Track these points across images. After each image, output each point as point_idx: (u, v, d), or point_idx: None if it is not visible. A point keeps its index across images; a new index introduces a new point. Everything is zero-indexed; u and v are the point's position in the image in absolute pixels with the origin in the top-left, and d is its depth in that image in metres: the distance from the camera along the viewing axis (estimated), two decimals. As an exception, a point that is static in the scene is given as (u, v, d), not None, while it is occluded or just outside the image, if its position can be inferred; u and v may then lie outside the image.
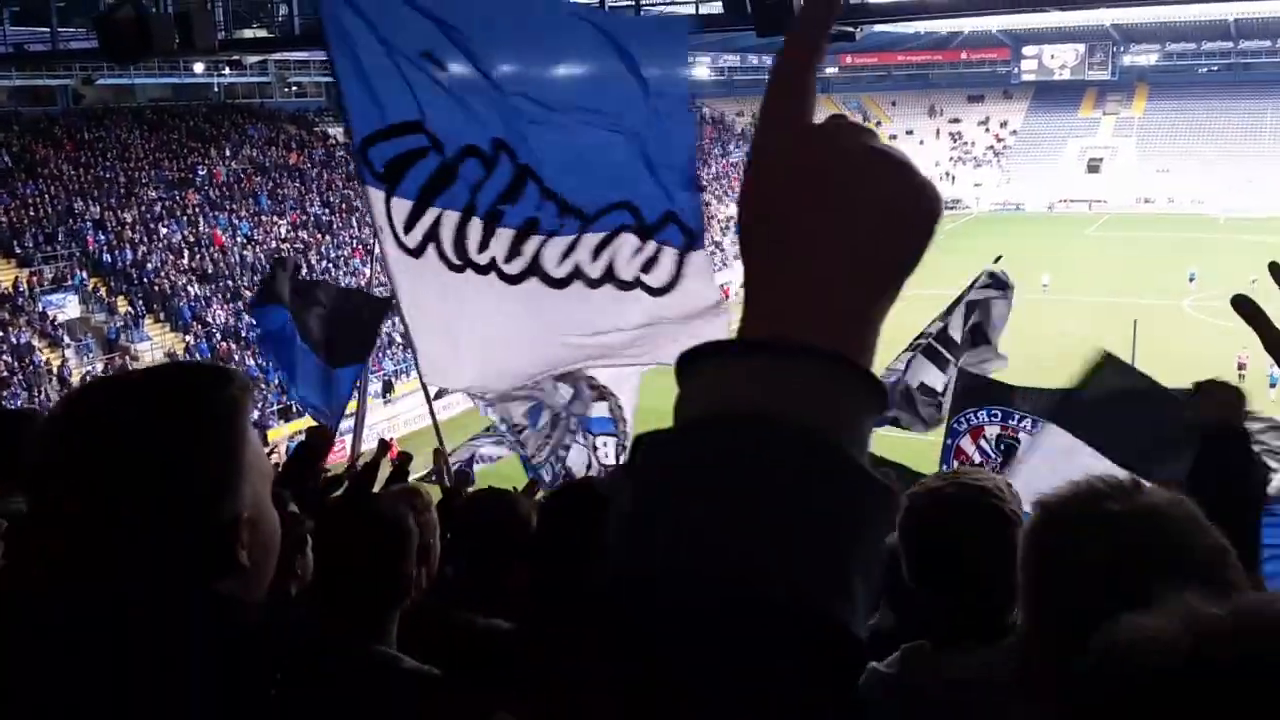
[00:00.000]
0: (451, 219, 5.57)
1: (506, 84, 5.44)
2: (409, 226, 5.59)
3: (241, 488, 1.20)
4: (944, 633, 2.08)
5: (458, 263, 5.64)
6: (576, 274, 5.61)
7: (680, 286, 5.52)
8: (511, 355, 6.01)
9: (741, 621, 0.61)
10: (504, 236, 5.59)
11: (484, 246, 5.61)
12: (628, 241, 5.53)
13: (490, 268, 5.64)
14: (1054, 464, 5.73)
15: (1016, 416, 7.79)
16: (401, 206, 5.57)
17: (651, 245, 5.52)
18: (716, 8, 17.19)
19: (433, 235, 5.60)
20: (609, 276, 5.59)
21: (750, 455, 0.64)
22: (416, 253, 5.65)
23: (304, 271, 39.19)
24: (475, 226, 5.58)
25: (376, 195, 5.58)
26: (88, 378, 29.71)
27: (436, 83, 5.40)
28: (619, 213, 5.51)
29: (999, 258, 9.68)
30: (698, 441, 0.66)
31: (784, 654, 0.61)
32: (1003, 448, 7.85)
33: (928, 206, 0.74)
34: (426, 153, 5.47)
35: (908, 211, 0.74)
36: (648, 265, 5.54)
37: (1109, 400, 5.82)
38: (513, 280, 5.65)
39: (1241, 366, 30.27)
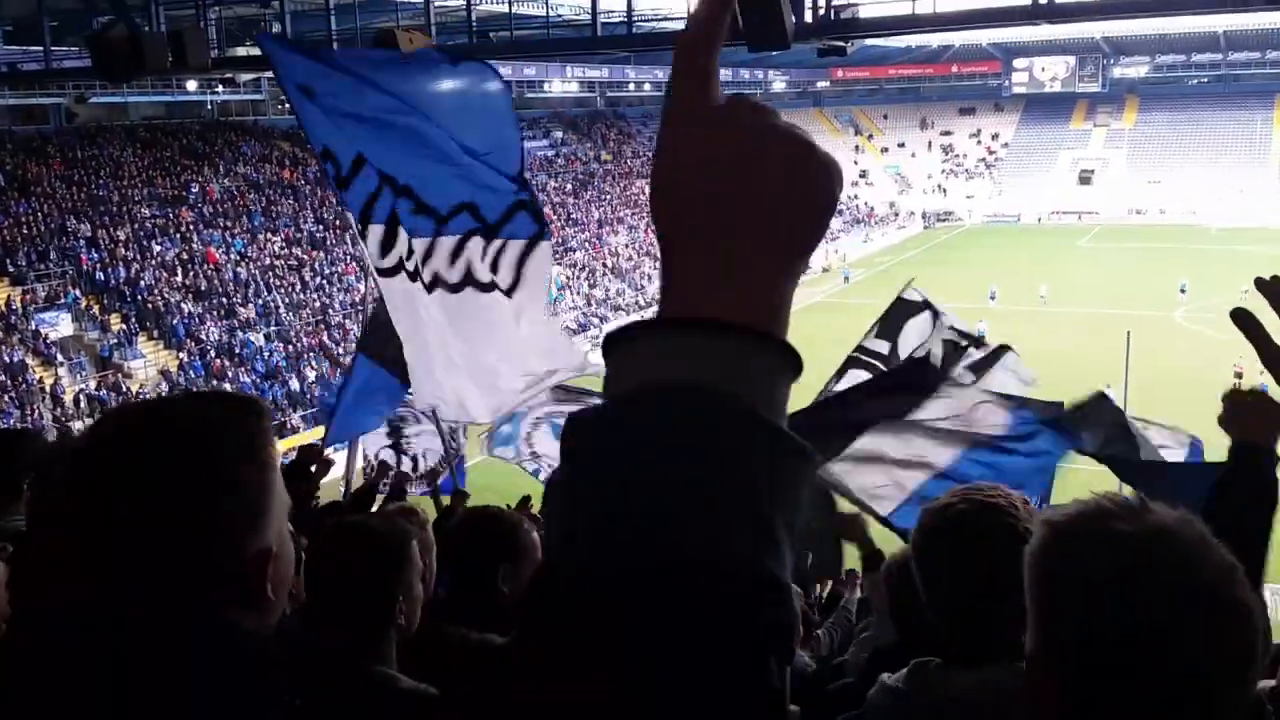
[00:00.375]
0: (404, 236, 5.85)
1: (358, 107, 5.72)
2: (385, 250, 5.91)
3: (270, 521, 1.19)
4: (955, 650, 2.07)
5: (378, 268, 5.99)
6: (437, 281, 5.88)
7: (525, 285, 5.82)
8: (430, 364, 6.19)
9: (680, 579, 0.65)
10: (401, 238, 5.84)
11: (386, 251, 5.91)
12: (476, 245, 5.80)
13: (398, 269, 5.93)
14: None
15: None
16: (376, 232, 5.92)
17: (496, 243, 5.78)
18: (708, 23, 17.24)
19: (402, 254, 5.90)
20: (470, 281, 5.85)
21: (676, 425, 0.68)
22: (389, 273, 6.00)
23: (298, 288, 39.21)
24: (375, 232, 5.87)
25: (356, 226, 5.95)
26: (80, 396, 29.76)
27: (326, 107, 5.67)
28: (465, 216, 5.78)
29: (910, 280, 9.15)
30: (626, 416, 0.70)
31: (721, 605, 0.65)
32: None
33: (826, 184, 0.77)
34: (381, 187, 5.76)
35: (810, 189, 0.76)
36: (494, 266, 5.80)
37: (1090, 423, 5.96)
38: (411, 278, 5.92)
39: (1239, 375, 30.90)
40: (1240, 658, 1.09)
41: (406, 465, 9.04)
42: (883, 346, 8.38)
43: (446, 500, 7.77)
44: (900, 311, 8.51)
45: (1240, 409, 2.35)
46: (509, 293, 5.79)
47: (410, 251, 5.81)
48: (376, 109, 5.66)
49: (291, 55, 5.85)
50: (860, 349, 8.45)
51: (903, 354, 8.21)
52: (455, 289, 5.83)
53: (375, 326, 7.81)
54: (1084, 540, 1.15)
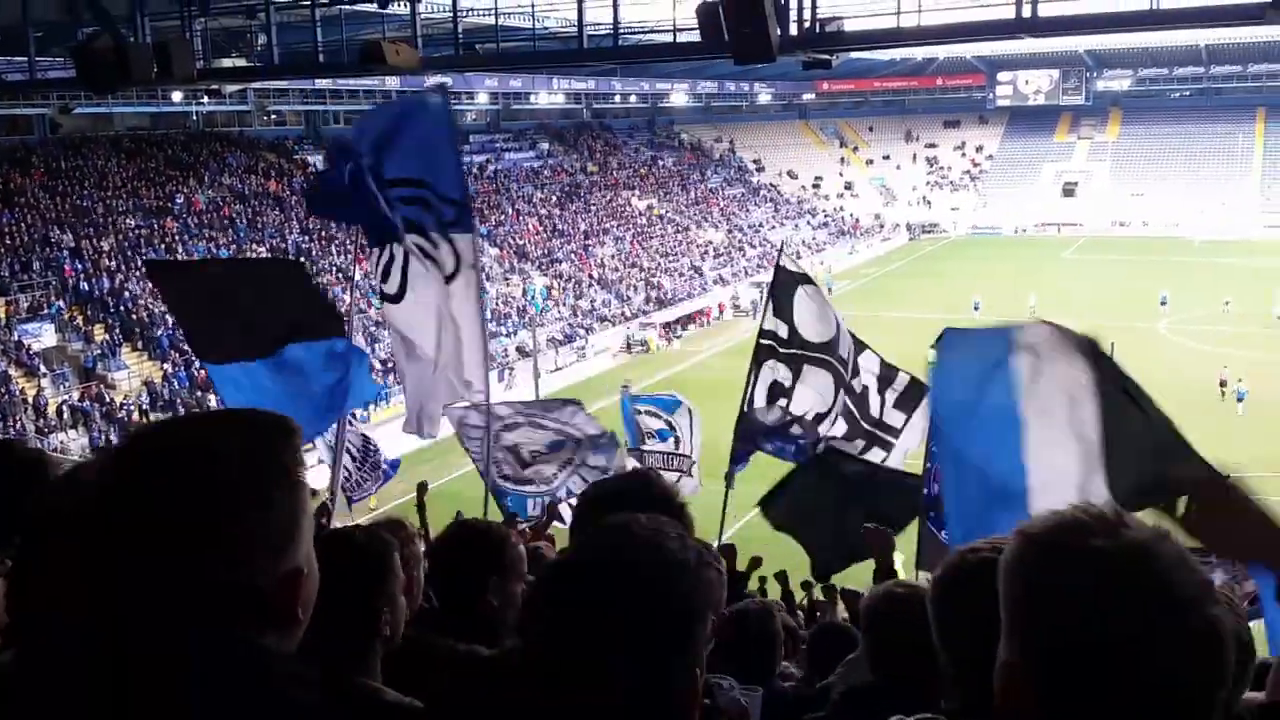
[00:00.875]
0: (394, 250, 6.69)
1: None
2: (384, 276, 6.45)
3: (301, 541, 1.19)
4: (960, 702, 2.02)
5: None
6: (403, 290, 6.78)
7: (462, 272, 6.52)
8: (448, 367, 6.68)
9: None
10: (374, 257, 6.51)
11: (386, 276, 6.64)
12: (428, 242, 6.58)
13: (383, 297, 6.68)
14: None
15: None
16: (374, 255, 6.67)
17: (444, 241, 6.53)
18: (694, 36, 17.29)
19: (392, 271, 6.69)
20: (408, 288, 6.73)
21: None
22: (395, 298, 6.72)
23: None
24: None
25: (374, 254, 6.44)
26: (64, 407, 29.53)
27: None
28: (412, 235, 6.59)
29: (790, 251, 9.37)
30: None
31: None
32: None
33: None
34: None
35: None
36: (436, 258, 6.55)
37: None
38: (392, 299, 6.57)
39: (1223, 384, 32.37)
40: (1213, 672, 1.11)
41: (351, 464, 9.15)
42: (781, 328, 8.56)
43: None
44: (786, 284, 8.71)
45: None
46: (448, 280, 6.49)
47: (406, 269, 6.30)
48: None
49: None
50: (762, 332, 8.70)
51: (806, 335, 8.41)
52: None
53: (194, 334, 7.94)
54: (1062, 553, 1.16)
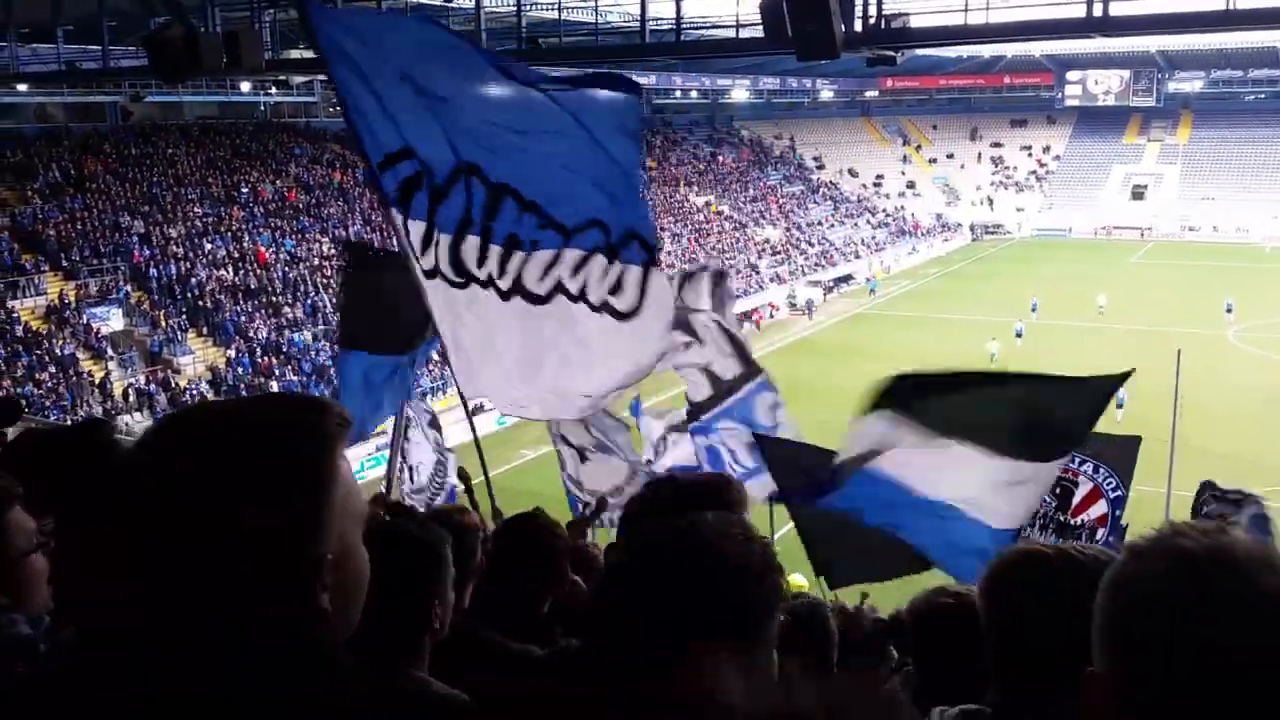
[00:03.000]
0: (445, 240, 5.62)
1: (474, 110, 5.49)
2: (424, 248, 5.64)
3: (327, 526, 1.17)
4: (1002, 695, 2.02)
5: (459, 280, 5.69)
6: (559, 288, 5.66)
7: (645, 309, 5.56)
8: (515, 372, 6.08)
9: None
10: (494, 254, 5.64)
11: (481, 263, 5.66)
12: (598, 262, 5.57)
13: (489, 283, 5.71)
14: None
15: (1078, 460, 7.58)
16: (416, 228, 5.62)
17: (616, 266, 5.55)
18: (757, 32, 17.18)
19: (439, 257, 5.66)
20: (583, 296, 5.65)
21: None
22: (431, 274, 5.72)
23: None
24: (471, 244, 5.62)
25: (397, 218, 5.63)
26: (130, 390, 30.17)
27: (416, 105, 5.40)
28: (594, 231, 5.56)
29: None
30: None
31: None
32: (1058, 490, 7.62)
33: None
34: (422, 178, 5.50)
35: None
36: (614, 288, 5.57)
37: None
38: (504, 296, 5.71)
39: None
40: None
41: (406, 474, 9.06)
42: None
43: None
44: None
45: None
46: (627, 315, 5.59)
47: (505, 267, 5.68)
48: (497, 118, 5.48)
49: (372, 23, 5.64)
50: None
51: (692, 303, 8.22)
52: (543, 300, 5.67)
53: (348, 317, 7.88)
54: (1148, 561, 1.16)
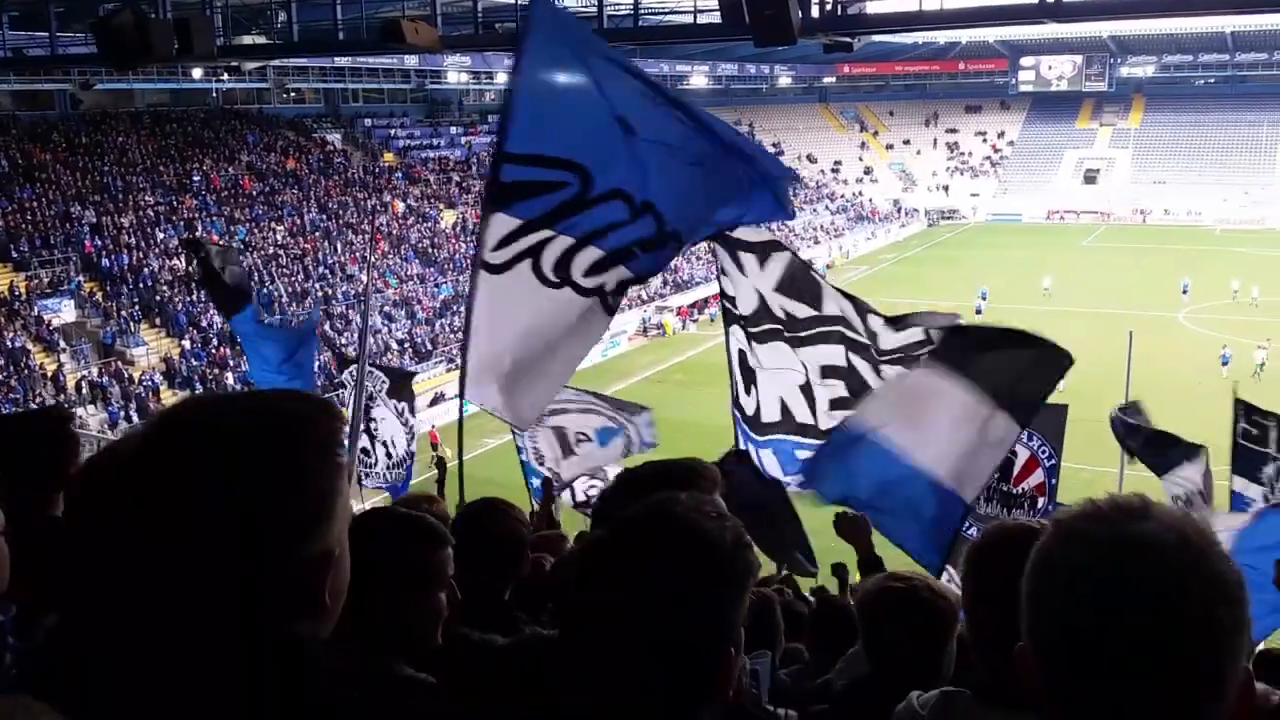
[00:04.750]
0: (564, 242, 5.61)
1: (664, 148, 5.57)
2: (502, 244, 5.59)
3: (333, 525, 1.18)
4: (991, 688, 2.04)
5: (555, 279, 5.68)
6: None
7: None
8: (557, 377, 6.09)
9: None
10: (620, 273, 5.71)
11: (596, 273, 5.69)
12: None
13: (596, 293, 5.73)
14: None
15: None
16: (503, 224, 5.58)
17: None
18: (715, 18, 17.20)
19: (533, 253, 5.62)
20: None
21: None
22: (500, 269, 5.66)
23: (301, 278, 39.19)
24: (590, 253, 5.64)
25: (487, 209, 5.63)
26: (82, 383, 29.72)
27: (625, 134, 5.45)
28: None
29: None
30: None
31: None
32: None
33: None
34: (565, 186, 5.49)
35: None
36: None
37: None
38: (610, 312, 5.83)
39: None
40: (1210, 664, 1.11)
41: (380, 451, 9.06)
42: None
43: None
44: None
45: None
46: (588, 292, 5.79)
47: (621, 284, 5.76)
48: (652, 131, 5.52)
49: (584, 34, 5.70)
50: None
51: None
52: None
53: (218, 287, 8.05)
54: (1069, 537, 1.19)
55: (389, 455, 9.27)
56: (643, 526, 1.42)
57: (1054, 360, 5.53)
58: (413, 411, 9.61)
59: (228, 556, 1.11)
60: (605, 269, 5.70)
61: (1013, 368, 5.52)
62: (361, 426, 8.84)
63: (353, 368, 9.74)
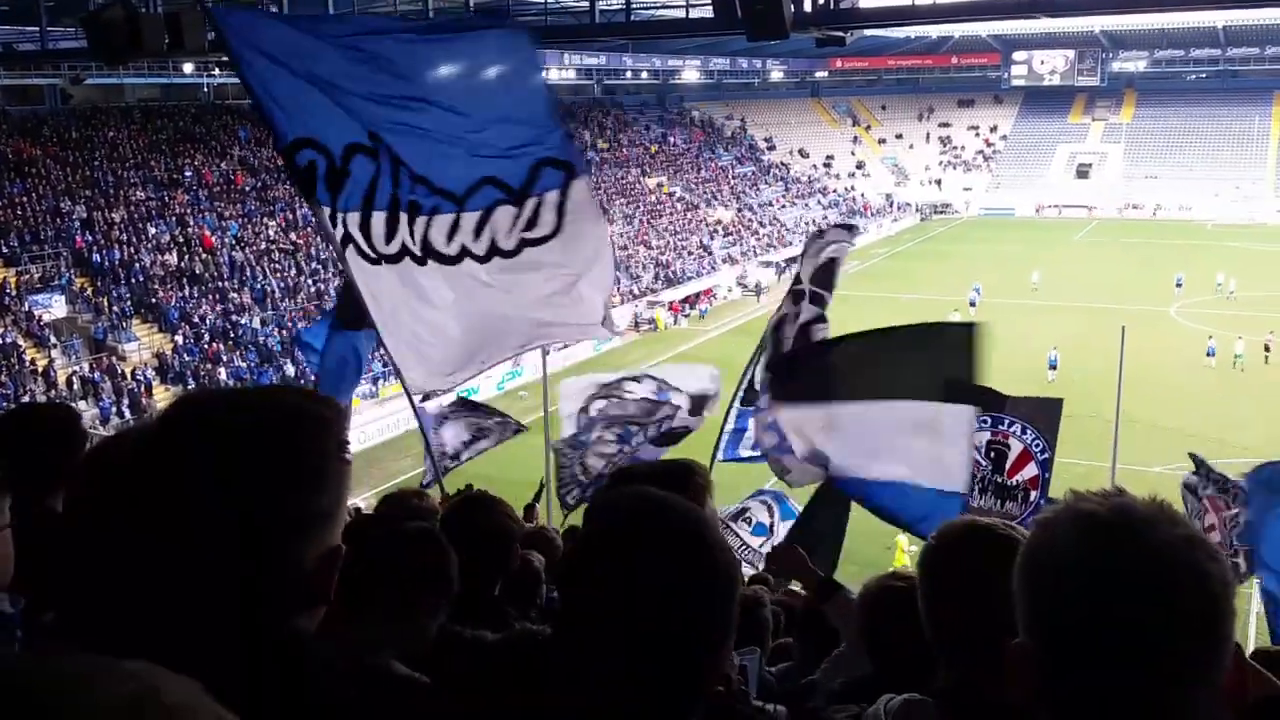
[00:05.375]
0: (353, 219, 5.67)
1: (361, 86, 5.56)
2: (330, 230, 5.68)
3: (336, 522, 1.17)
4: (955, 696, 1.99)
5: (373, 255, 5.75)
6: (465, 252, 5.82)
7: (569, 223, 5.79)
8: (450, 338, 6.13)
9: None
10: (402, 222, 5.74)
11: (390, 237, 5.74)
12: (504, 214, 5.77)
13: (403, 254, 5.79)
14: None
15: (1007, 422, 7.82)
16: (322, 213, 5.67)
17: (529, 204, 5.76)
18: (707, 12, 17.18)
19: (348, 238, 5.68)
20: (495, 251, 5.83)
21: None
22: (341, 257, 5.77)
23: (293, 273, 39.09)
24: (378, 220, 5.70)
25: (317, 207, 5.67)
26: (74, 378, 29.64)
27: (311, 86, 5.46)
28: (488, 189, 5.74)
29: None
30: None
31: None
32: (992, 454, 7.89)
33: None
34: (315, 165, 5.55)
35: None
36: (529, 224, 5.79)
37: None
38: (419, 261, 5.81)
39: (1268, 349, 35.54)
40: (1202, 657, 1.12)
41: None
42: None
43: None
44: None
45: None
46: (553, 235, 5.80)
47: (413, 232, 5.75)
48: (385, 92, 5.54)
49: (265, 28, 5.69)
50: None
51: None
52: (454, 261, 5.83)
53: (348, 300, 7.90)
54: (1057, 531, 1.20)
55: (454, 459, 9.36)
56: (630, 519, 1.41)
57: (963, 338, 5.65)
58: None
59: (227, 556, 1.10)
60: (394, 228, 5.75)
61: (929, 365, 5.65)
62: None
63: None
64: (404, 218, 5.72)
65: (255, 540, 1.11)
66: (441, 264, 5.82)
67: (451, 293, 5.94)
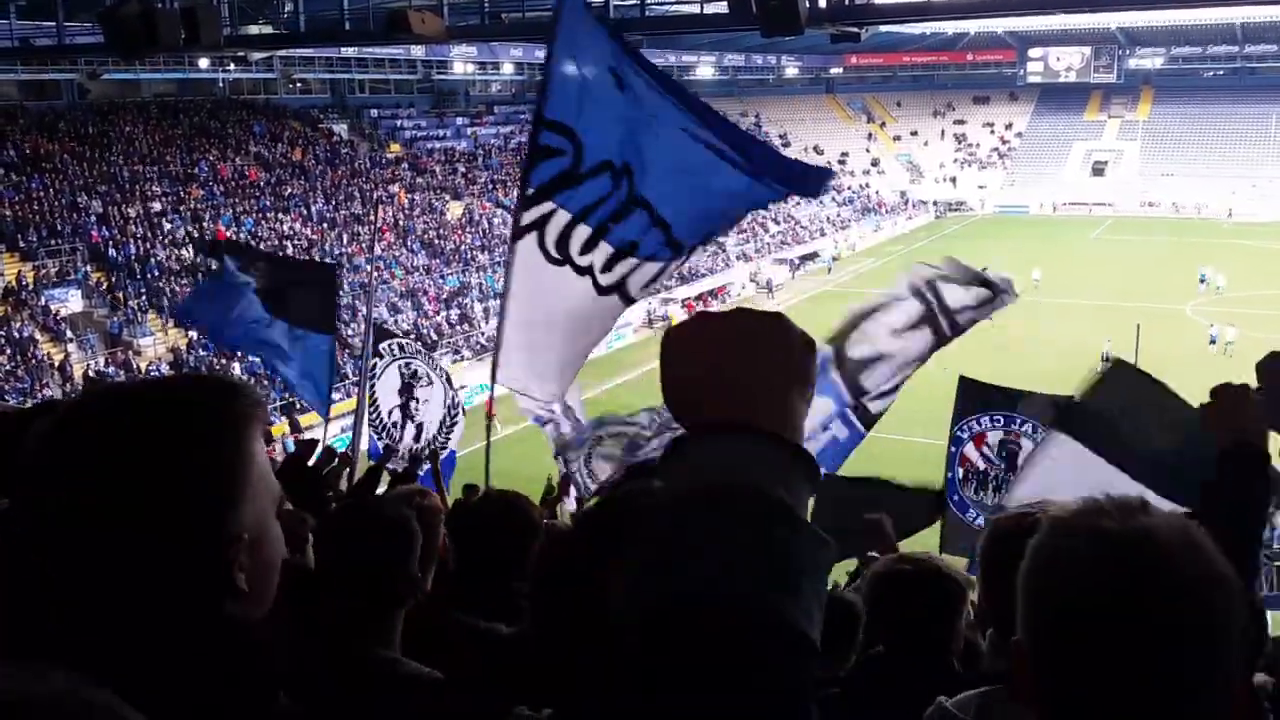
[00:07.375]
0: (563, 217, 5.76)
1: (652, 125, 5.65)
2: (524, 208, 5.81)
3: (242, 507, 1.16)
4: (1007, 666, 2.01)
5: (558, 256, 5.82)
6: (614, 287, 5.91)
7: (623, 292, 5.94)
8: (560, 358, 6.21)
9: (740, 635, 0.88)
10: (604, 250, 5.79)
11: (586, 251, 5.81)
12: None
13: (588, 272, 5.85)
14: (1065, 473, 5.58)
15: (1019, 421, 7.79)
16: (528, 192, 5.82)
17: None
18: (722, 7, 17.15)
19: (538, 225, 5.77)
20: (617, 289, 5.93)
21: (737, 519, 0.92)
22: (520, 233, 5.85)
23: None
24: (582, 231, 5.77)
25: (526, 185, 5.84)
26: (90, 372, 29.80)
27: (609, 96, 5.64)
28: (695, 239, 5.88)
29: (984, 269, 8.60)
30: (698, 510, 0.94)
31: (769, 655, 0.88)
32: (1005, 454, 7.86)
33: (798, 339, 1.06)
34: (562, 154, 5.68)
35: (791, 345, 1.05)
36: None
37: (1122, 411, 5.57)
38: (602, 292, 5.89)
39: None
40: (1206, 660, 1.11)
41: (410, 431, 9.08)
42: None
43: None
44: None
45: (1230, 403, 2.32)
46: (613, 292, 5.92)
47: (610, 266, 5.80)
48: (667, 131, 5.59)
49: (594, 30, 5.89)
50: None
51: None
52: (606, 293, 5.96)
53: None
54: (1066, 531, 1.19)
55: (416, 441, 9.29)
56: (605, 517, 1.41)
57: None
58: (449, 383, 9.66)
59: (138, 541, 1.10)
60: (594, 247, 5.82)
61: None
62: (397, 401, 9.00)
63: (387, 342, 9.86)
64: (605, 246, 5.78)
65: (163, 525, 1.11)
66: (604, 296, 5.91)
67: (599, 331, 6.12)
